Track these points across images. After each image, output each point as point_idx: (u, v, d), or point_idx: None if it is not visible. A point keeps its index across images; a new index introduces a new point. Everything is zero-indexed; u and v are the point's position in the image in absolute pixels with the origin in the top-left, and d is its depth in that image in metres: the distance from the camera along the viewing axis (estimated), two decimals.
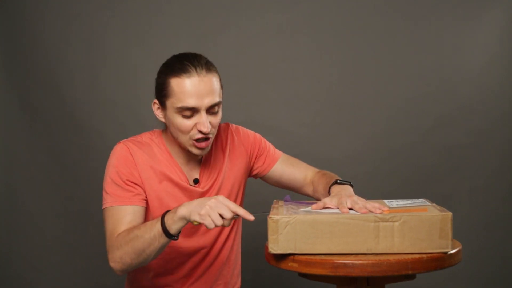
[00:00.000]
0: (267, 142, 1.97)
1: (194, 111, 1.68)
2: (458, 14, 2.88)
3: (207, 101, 1.67)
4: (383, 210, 1.44)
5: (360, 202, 1.51)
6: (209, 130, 1.69)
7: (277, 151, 1.99)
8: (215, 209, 1.49)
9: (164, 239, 1.57)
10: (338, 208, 1.51)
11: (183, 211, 1.53)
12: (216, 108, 1.71)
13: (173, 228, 1.55)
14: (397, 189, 2.87)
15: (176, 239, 1.59)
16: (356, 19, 2.88)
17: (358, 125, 2.90)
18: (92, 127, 2.83)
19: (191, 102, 1.66)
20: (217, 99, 1.70)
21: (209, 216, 1.49)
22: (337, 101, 2.90)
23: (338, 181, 1.74)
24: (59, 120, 2.83)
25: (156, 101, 1.76)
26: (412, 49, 2.89)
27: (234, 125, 1.95)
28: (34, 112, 2.83)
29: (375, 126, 2.90)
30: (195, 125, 1.69)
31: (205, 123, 1.67)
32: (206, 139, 1.72)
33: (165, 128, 1.82)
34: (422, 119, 2.89)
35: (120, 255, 1.62)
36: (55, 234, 2.86)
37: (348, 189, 1.69)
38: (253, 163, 1.94)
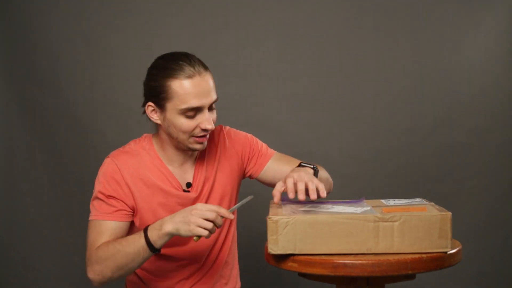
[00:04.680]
0: (259, 142, 1.94)
1: (197, 110, 1.68)
2: (458, 14, 2.88)
3: (210, 99, 1.69)
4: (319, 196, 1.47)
5: (300, 184, 1.51)
6: (213, 126, 1.70)
7: (270, 150, 1.95)
8: (199, 216, 1.55)
9: (148, 253, 1.62)
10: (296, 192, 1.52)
11: (168, 227, 1.58)
12: (214, 104, 1.73)
13: (158, 243, 1.61)
14: (397, 189, 2.87)
15: (159, 253, 1.65)
16: (356, 19, 2.88)
17: (357, 125, 2.90)
18: (92, 127, 2.83)
19: (195, 103, 1.66)
20: (215, 96, 1.71)
21: (199, 226, 1.54)
22: (336, 101, 2.90)
23: (301, 164, 1.74)
24: (59, 120, 2.83)
25: (151, 103, 1.73)
26: (411, 49, 2.88)
27: (227, 127, 1.93)
28: (34, 112, 2.83)
29: (375, 126, 2.89)
30: (197, 124, 1.69)
31: (209, 120, 1.69)
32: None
33: (156, 132, 1.82)
34: (421, 119, 2.89)
35: (101, 269, 1.65)
36: (55, 234, 2.86)
37: (305, 170, 1.66)
38: (246, 165, 1.92)
